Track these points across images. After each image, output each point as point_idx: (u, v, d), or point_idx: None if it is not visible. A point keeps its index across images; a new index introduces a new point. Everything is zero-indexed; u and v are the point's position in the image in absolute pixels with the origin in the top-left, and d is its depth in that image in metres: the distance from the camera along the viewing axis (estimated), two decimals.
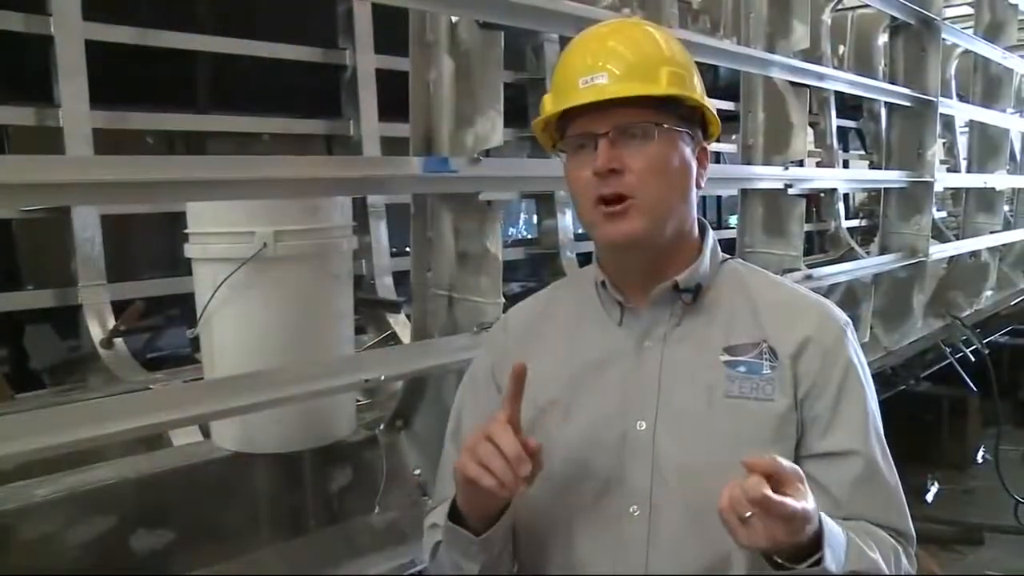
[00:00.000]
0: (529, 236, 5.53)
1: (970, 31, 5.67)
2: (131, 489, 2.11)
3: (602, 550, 1.34)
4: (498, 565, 1.42)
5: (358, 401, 2.63)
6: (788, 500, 1.10)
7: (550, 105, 1.39)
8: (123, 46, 3.47)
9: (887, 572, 1.27)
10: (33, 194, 1.67)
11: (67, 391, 3.05)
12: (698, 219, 1.45)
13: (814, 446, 1.34)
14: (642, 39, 1.38)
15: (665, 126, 1.32)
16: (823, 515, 1.20)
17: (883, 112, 5.17)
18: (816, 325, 1.38)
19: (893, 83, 4.46)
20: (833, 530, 1.20)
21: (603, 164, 1.29)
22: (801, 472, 1.17)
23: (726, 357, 1.36)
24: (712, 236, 1.45)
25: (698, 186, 1.40)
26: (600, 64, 1.33)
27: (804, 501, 1.13)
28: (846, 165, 7.32)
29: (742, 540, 1.12)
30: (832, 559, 1.17)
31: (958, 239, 5.74)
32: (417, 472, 2.42)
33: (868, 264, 4.30)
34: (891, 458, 1.39)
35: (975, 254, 5.61)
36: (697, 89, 1.39)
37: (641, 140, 1.31)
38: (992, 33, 5.70)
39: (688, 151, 1.37)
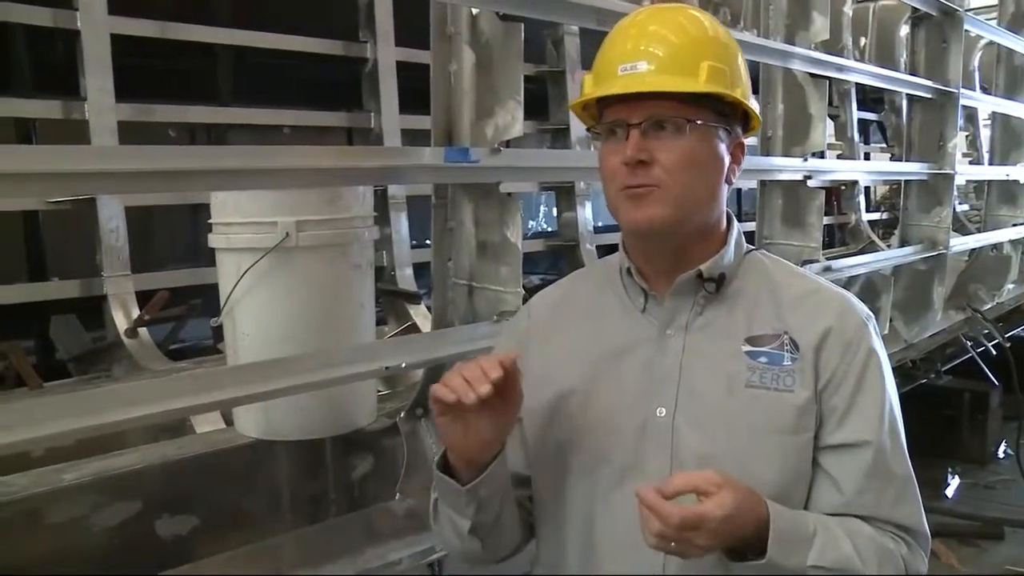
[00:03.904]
0: (549, 229, 5.55)
1: (994, 22, 5.62)
2: (155, 475, 2.14)
3: (620, 535, 1.34)
4: (496, 533, 1.44)
5: (379, 391, 2.66)
6: (690, 510, 1.16)
7: (589, 88, 1.38)
8: (145, 39, 3.51)
9: (863, 571, 1.27)
10: (60, 183, 1.69)
11: (92, 380, 3.09)
12: (725, 210, 1.44)
13: (829, 437, 1.34)
14: (686, 25, 1.36)
15: (699, 122, 1.31)
16: (779, 510, 1.24)
17: (904, 104, 5.13)
18: (838, 317, 1.37)
19: (914, 75, 4.43)
20: (788, 526, 1.24)
21: (632, 155, 1.29)
22: (709, 474, 1.21)
23: (747, 347, 1.36)
24: (737, 227, 1.45)
25: (729, 181, 1.39)
26: (641, 50, 1.33)
27: (717, 501, 1.17)
28: (867, 158, 7.28)
29: (685, 557, 1.20)
30: (781, 554, 1.22)
31: (980, 232, 5.70)
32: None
33: (887, 256, 4.28)
34: (907, 454, 1.38)
35: (997, 247, 5.56)
36: (742, 78, 1.37)
37: (673, 133, 1.30)
38: (1016, 24, 5.64)
39: (722, 147, 1.36)
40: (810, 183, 3.50)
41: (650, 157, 1.29)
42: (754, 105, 1.40)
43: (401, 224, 4.11)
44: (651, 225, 1.32)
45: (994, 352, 5.35)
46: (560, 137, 4.75)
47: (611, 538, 1.36)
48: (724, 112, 1.36)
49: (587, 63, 1.43)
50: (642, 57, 1.32)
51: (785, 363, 1.34)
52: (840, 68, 3.75)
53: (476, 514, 1.38)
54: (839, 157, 6.20)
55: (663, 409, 1.35)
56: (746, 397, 1.34)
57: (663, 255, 1.39)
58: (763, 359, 1.35)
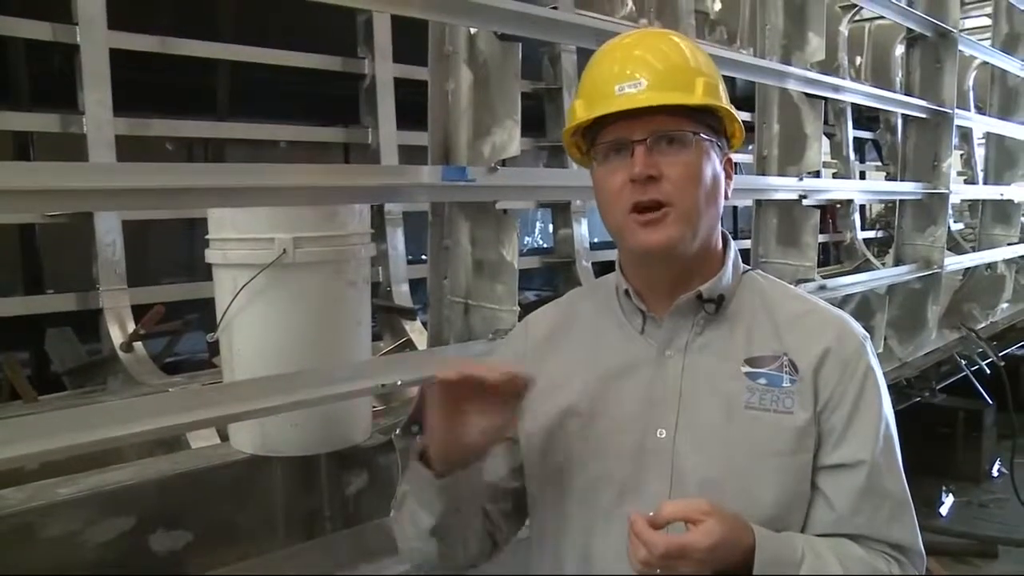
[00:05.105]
0: (545, 245, 5.55)
1: (988, 43, 5.66)
2: (150, 490, 2.14)
3: (618, 557, 1.32)
4: (456, 541, 1.42)
5: (374, 407, 2.65)
6: (675, 540, 1.17)
7: (583, 111, 1.37)
8: (144, 54, 3.52)
9: None
10: (59, 200, 1.70)
11: (87, 394, 3.08)
12: (720, 230, 1.45)
13: (826, 457, 1.34)
14: (671, 49, 1.38)
15: (701, 135, 1.33)
16: (766, 536, 1.24)
17: (899, 124, 5.16)
18: (836, 338, 1.38)
19: (909, 95, 4.46)
20: (775, 553, 1.24)
21: (642, 170, 1.29)
22: (699, 503, 1.21)
23: (747, 368, 1.36)
24: (734, 247, 1.46)
25: (725, 196, 1.40)
26: (630, 71, 1.33)
27: (704, 531, 1.17)
28: (863, 176, 7.31)
29: None
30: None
31: (975, 251, 5.72)
32: None
33: (882, 275, 4.29)
34: (903, 473, 1.38)
35: (991, 266, 5.58)
36: (725, 96, 1.39)
37: (677, 148, 1.31)
38: (1010, 45, 5.69)
39: (718, 161, 1.37)
40: (805, 202, 3.51)
41: (658, 172, 1.30)
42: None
43: (397, 240, 4.11)
44: (664, 247, 1.32)
45: (988, 371, 5.36)
46: (557, 154, 4.75)
47: (609, 559, 1.36)
48: (714, 127, 1.37)
49: None
50: (637, 76, 1.33)
51: (784, 384, 1.34)
52: (836, 88, 3.77)
53: (442, 514, 1.36)
54: (834, 176, 6.23)
55: (663, 431, 1.35)
56: (746, 419, 1.34)
57: (665, 277, 1.39)
58: (762, 380, 1.35)
